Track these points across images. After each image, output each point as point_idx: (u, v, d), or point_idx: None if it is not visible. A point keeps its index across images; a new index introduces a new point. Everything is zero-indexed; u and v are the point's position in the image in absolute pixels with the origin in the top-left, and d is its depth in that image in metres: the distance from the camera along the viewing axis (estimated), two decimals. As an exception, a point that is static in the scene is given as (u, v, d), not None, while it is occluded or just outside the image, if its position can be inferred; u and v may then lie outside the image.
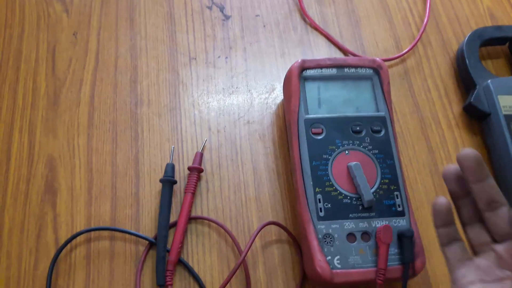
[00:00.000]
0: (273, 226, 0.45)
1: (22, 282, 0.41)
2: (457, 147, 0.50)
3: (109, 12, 0.55)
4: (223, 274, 0.43)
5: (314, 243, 0.39)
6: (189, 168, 0.46)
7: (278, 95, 0.51)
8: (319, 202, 0.41)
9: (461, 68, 0.53)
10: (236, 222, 0.45)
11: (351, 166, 0.41)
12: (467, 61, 0.51)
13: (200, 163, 0.46)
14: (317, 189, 0.41)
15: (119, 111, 0.49)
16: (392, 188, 0.42)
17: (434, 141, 0.50)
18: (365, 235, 0.40)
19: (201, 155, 0.47)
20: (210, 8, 0.56)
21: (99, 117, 0.49)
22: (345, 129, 0.43)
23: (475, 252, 0.32)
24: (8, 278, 0.42)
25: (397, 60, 0.54)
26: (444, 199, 0.33)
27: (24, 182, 0.46)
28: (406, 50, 0.54)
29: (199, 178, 0.46)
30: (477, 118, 0.51)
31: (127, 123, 0.49)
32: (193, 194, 0.45)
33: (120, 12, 0.55)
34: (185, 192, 0.45)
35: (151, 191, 0.46)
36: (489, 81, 0.49)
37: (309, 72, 0.46)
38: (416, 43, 0.54)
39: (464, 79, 0.52)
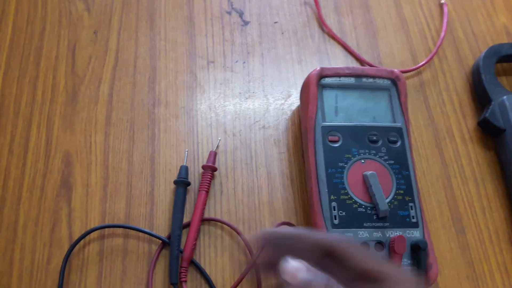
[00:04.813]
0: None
1: (35, 276, 0.42)
2: (470, 161, 0.50)
3: (130, 12, 0.55)
4: (235, 277, 0.43)
5: (328, 250, 0.39)
6: (203, 167, 0.46)
7: (294, 101, 0.52)
8: (334, 209, 0.41)
9: (476, 83, 0.53)
10: (249, 225, 0.45)
11: (367, 176, 0.42)
12: (482, 77, 0.52)
13: (214, 162, 0.47)
14: (332, 197, 0.41)
15: (136, 110, 0.50)
16: (407, 199, 0.42)
17: (448, 155, 0.50)
18: (379, 244, 0.40)
19: (215, 154, 0.47)
20: (229, 13, 0.57)
21: (116, 115, 0.49)
22: (362, 138, 0.43)
23: None
24: (21, 270, 0.42)
25: (413, 72, 0.55)
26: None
27: (40, 176, 0.46)
28: (422, 63, 0.54)
29: (213, 177, 0.46)
30: (491, 133, 0.51)
31: (144, 123, 0.49)
32: (207, 192, 0.45)
33: (141, 13, 0.55)
34: (199, 191, 0.45)
35: (166, 190, 0.46)
36: (504, 97, 0.50)
37: (327, 80, 0.46)
38: (432, 57, 0.55)
39: (480, 95, 0.53)
